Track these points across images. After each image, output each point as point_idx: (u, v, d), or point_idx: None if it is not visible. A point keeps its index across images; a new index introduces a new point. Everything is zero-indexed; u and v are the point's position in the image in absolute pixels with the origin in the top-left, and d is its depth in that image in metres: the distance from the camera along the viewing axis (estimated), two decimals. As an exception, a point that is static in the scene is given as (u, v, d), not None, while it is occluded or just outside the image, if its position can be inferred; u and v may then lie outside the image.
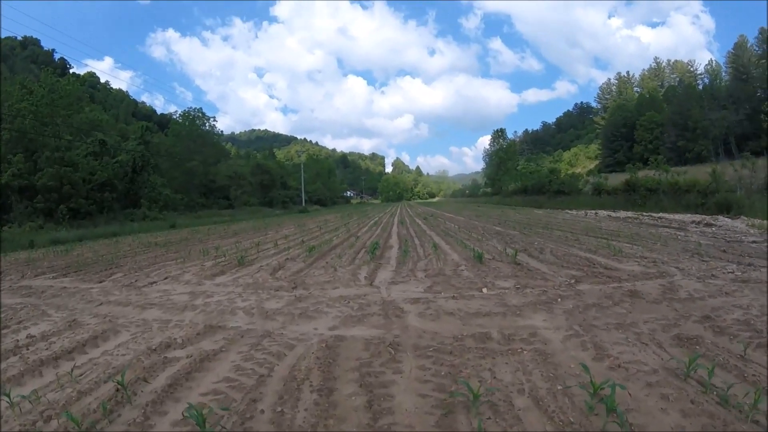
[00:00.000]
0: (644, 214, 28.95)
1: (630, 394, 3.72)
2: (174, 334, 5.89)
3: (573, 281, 8.21)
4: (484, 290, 7.65)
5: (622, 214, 30.34)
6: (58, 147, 39.42)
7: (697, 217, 24.18)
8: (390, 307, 6.74)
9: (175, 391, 4.10)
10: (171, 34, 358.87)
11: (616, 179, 44.82)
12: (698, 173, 35.85)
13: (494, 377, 4.20)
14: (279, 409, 3.68)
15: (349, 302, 7.15)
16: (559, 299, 6.91)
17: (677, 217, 25.39)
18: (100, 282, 10.03)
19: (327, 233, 21.14)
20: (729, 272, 8.47)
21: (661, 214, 27.70)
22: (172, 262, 12.90)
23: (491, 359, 4.62)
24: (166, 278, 10.09)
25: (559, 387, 3.91)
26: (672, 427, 3.27)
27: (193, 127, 70.58)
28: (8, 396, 3.80)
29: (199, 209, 56.49)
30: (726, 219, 22.56)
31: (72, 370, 4.56)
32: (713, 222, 21.11)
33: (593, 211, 34.12)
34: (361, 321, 6.16)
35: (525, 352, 4.79)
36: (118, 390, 4.00)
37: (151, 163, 49.75)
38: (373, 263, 10.93)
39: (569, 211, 36.51)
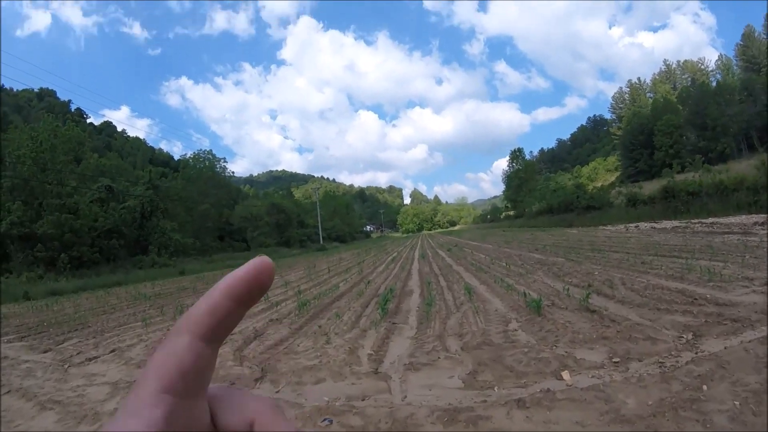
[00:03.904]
0: (693, 221, 25.99)
1: None
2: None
3: (691, 336, 5.35)
4: (566, 376, 4.56)
5: (667, 224, 27.38)
6: (59, 194, 38.04)
7: (757, 218, 21.46)
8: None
9: None
10: (184, 81, 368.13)
11: (650, 187, 41.82)
12: (738, 170, 33.03)
13: None
14: None
15: (331, 423, 4.11)
16: (704, 386, 3.96)
17: (733, 220, 22.57)
18: (45, 352, 8.58)
19: (336, 276, 18.05)
20: None
21: (712, 219, 24.77)
22: (139, 324, 10.49)
23: None
24: (112, 351, 8.04)
25: None
26: None
27: (203, 170, 68.85)
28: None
29: (214, 253, 54.12)
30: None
31: None
32: (779, 221, 18.41)
33: (633, 225, 31.22)
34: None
35: None
36: None
37: (160, 207, 47.84)
38: (384, 325, 7.72)
39: (605, 228, 33.54)
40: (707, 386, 3.95)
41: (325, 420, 4.12)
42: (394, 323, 7.84)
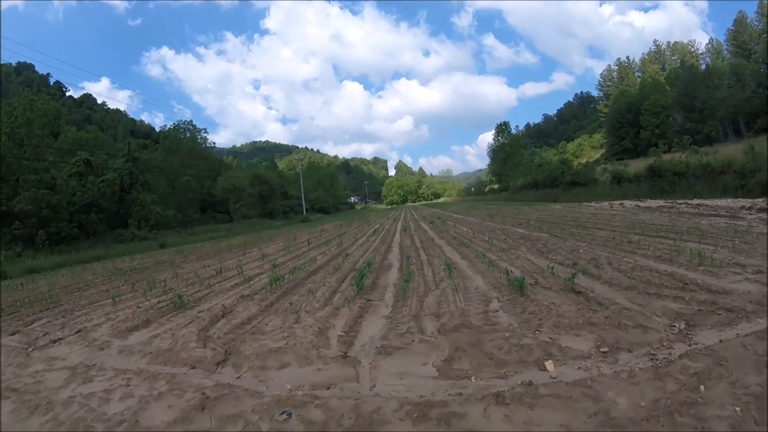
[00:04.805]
0: (678, 201, 25.89)
1: None
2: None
3: (683, 325, 4.99)
4: (549, 366, 4.18)
5: (652, 203, 27.27)
6: (36, 169, 37.35)
7: (744, 202, 21.33)
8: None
9: None
10: (165, 52, 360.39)
11: (635, 165, 41.72)
12: (726, 153, 32.96)
13: None
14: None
15: (290, 417, 3.70)
16: (701, 386, 3.61)
17: (720, 202, 22.45)
18: (13, 334, 8.10)
19: (314, 249, 17.57)
20: None
21: (697, 201, 24.66)
22: (109, 301, 10.03)
23: None
24: (78, 331, 7.56)
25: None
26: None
27: (185, 141, 67.49)
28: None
29: (195, 225, 53.47)
30: (781, 202, 19.78)
31: None
32: (767, 206, 18.18)
33: (617, 202, 31.07)
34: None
35: None
36: None
37: (140, 180, 46.91)
38: (358, 301, 7.36)
39: (590, 204, 33.41)
40: (705, 386, 3.59)
41: (283, 413, 3.71)
42: (369, 300, 7.45)
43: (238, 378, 4.67)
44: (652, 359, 4.20)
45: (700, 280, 6.72)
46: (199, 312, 7.79)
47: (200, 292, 9.92)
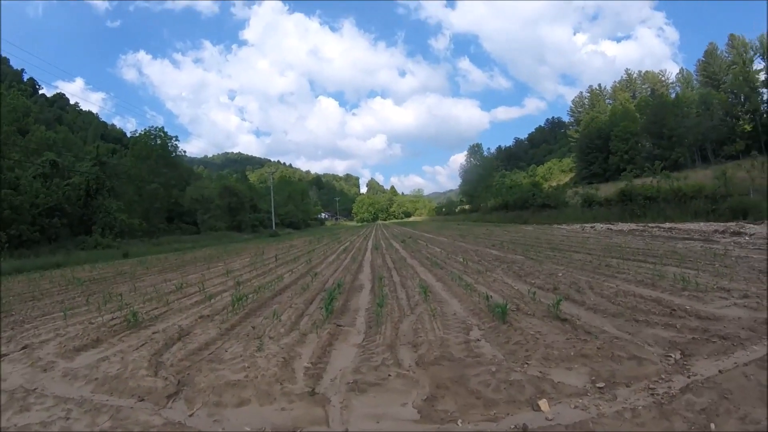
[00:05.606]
0: (650, 225, 26.20)
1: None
2: None
3: (679, 356, 4.67)
4: (544, 405, 3.73)
5: (624, 226, 27.58)
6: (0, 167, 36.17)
7: (716, 225, 21.69)
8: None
9: None
10: (142, 56, 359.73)
11: (606, 189, 42.28)
12: (695, 179, 33.71)
13: None
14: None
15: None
16: (711, 424, 3.31)
17: (692, 226, 22.83)
18: None
19: (282, 266, 16.97)
20: None
21: (669, 224, 24.93)
22: (60, 314, 9.27)
23: None
24: (24, 348, 6.91)
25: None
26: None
27: (153, 147, 65.78)
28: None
29: (161, 235, 52.15)
30: (753, 226, 20.44)
31: None
32: (740, 230, 18.70)
33: (589, 225, 31.40)
34: None
35: None
36: None
37: (106, 185, 45.59)
38: (327, 326, 6.76)
39: (561, 226, 33.62)
40: (714, 424, 3.28)
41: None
42: (339, 326, 6.87)
43: (190, 416, 4.09)
44: (652, 394, 3.85)
45: (688, 305, 6.52)
46: (153, 333, 7.15)
47: (157, 309, 9.25)
